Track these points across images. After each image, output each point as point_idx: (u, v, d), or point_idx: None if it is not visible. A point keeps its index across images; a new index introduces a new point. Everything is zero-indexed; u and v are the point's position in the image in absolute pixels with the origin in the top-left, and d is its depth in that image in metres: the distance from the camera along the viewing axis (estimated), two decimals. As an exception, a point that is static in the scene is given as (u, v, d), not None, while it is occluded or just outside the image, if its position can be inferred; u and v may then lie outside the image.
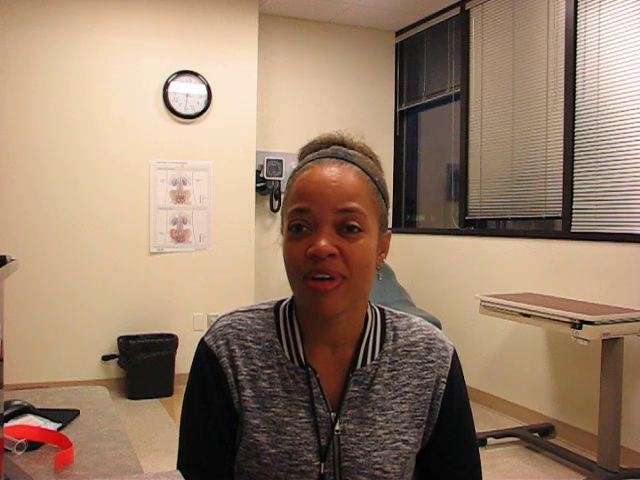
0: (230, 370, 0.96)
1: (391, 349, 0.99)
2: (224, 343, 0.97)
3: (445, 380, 1.00)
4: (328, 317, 0.93)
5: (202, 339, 1.00)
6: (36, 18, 4.08)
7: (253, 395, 0.96)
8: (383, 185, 0.98)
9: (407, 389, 0.98)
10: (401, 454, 0.96)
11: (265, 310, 1.02)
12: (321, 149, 0.99)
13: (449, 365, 1.01)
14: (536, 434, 3.44)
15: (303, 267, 0.90)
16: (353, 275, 0.90)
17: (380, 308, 1.04)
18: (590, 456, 3.04)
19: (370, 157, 0.99)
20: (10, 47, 4.03)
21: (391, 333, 1.01)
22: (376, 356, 0.98)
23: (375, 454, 0.94)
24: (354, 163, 0.94)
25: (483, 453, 3.31)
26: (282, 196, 0.95)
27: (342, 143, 0.99)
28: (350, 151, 0.97)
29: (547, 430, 3.47)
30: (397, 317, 1.04)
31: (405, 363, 0.99)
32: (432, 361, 1.00)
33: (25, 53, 4.07)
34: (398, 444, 0.96)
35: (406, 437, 0.97)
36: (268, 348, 0.97)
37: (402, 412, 0.97)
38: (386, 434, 0.96)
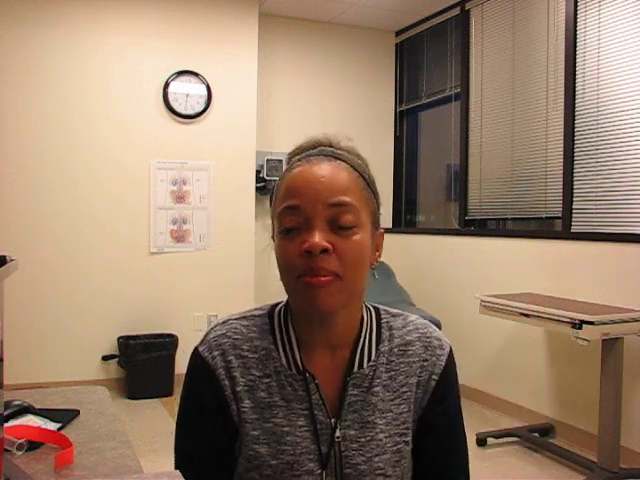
0: (227, 382, 0.94)
1: (387, 349, 0.98)
2: (220, 354, 0.95)
3: (436, 378, 0.98)
4: (323, 314, 0.91)
5: (196, 349, 0.97)
6: (36, 18, 4.07)
7: (252, 406, 0.93)
8: (372, 182, 0.97)
9: (405, 389, 0.97)
10: (402, 456, 0.95)
11: (259, 316, 0.99)
12: (309, 151, 0.98)
13: (443, 364, 0.99)
14: (536, 434, 3.43)
15: (297, 266, 0.88)
16: (347, 273, 0.88)
17: (375, 307, 1.03)
18: (590, 456, 3.04)
19: (358, 158, 0.98)
20: (10, 47, 4.03)
21: (387, 333, 0.99)
22: (373, 357, 0.97)
23: (377, 459, 0.93)
24: (342, 160, 0.94)
25: (483, 453, 3.32)
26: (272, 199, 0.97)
27: (329, 145, 0.98)
28: (337, 150, 0.96)
29: (547, 430, 3.47)
30: (393, 316, 1.02)
31: (402, 363, 0.98)
32: (427, 359, 0.98)
33: (25, 53, 4.07)
34: (400, 446, 0.95)
35: (407, 438, 0.96)
36: (265, 356, 0.95)
37: (401, 413, 0.96)
38: (387, 437, 0.94)
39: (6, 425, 1.14)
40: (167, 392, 4.15)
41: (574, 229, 3.52)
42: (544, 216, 3.78)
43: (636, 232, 3.16)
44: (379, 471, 0.92)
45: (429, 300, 4.48)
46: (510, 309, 3.14)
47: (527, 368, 3.71)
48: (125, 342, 4.15)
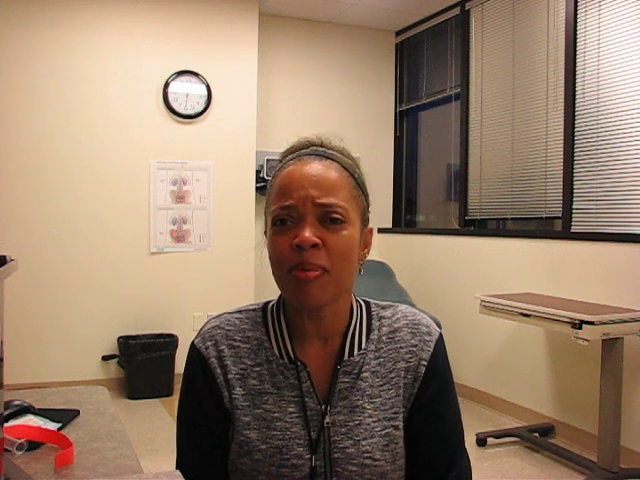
0: (219, 370, 0.98)
1: (376, 337, 1.01)
2: (212, 344, 1.00)
3: (425, 363, 1.00)
4: (312, 308, 0.95)
5: (192, 342, 1.03)
6: (36, 18, 4.07)
7: (243, 393, 0.98)
8: (362, 182, 1.01)
9: (393, 374, 1.00)
10: (392, 440, 0.97)
11: (253, 310, 1.04)
12: (301, 150, 1.02)
13: (431, 349, 1.01)
14: (536, 434, 3.43)
15: (288, 260, 0.92)
16: (334, 267, 0.92)
17: (365, 301, 1.06)
18: (590, 456, 3.04)
19: (349, 158, 1.02)
20: (10, 47, 4.02)
21: (377, 323, 1.03)
22: (363, 346, 1.00)
23: (364, 442, 0.95)
24: (333, 160, 0.98)
25: (483, 453, 3.32)
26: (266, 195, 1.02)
27: (321, 145, 1.02)
28: (328, 150, 1.00)
29: (547, 430, 3.47)
30: (382, 308, 1.05)
31: (390, 349, 1.00)
32: (415, 345, 1.01)
33: (25, 53, 4.06)
34: (388, 430, 0.97)
35: (396, 422, 0.98)
36: (256, 346, 1.00)
37: (390, 398, 0.98)
38: (375, 422, 0.97)
39: (6, 425, 1.14)
40: (167, 392, 4.15)
41: (574, 229, 3.52)
42: (544, 216, 3.78)
43: (636, 232, 3.16)
44: (367, 454, 0.95)
45: (429, 300, 4.48)
46: (510, 309, 3.14)
47: (527, 368, 3.71)
48: (125, 342, 4.15)
